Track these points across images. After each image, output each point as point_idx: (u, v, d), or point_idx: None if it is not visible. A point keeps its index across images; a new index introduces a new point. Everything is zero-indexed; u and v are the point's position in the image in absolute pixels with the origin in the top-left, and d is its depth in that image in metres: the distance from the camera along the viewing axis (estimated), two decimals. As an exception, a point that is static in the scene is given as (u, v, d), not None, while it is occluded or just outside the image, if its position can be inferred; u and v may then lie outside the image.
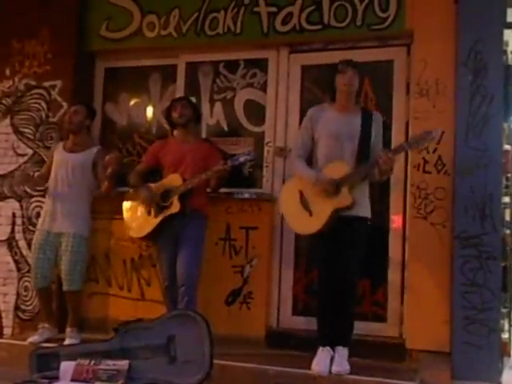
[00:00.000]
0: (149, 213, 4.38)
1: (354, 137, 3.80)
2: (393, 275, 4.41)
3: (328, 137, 3.84)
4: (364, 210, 3.83)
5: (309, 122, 3.95)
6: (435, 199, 4.14)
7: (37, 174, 4.90)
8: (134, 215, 4.50)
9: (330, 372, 3.68)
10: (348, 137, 3.80)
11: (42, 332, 4.55)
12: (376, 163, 3.68)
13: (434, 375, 3.93)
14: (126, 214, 4.59)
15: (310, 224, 3.79)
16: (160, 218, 4.31)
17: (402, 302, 4.34)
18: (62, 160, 4.58)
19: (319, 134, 3.89)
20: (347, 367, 3.68)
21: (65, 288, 4.50)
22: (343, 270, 3.74)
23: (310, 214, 3.80)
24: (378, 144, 3.86)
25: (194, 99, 4.88)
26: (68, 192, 4.52)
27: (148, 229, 4.39)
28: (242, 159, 4.12)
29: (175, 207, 4.26)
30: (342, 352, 3.74)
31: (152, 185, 4.41)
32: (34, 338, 4.45)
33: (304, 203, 3.83)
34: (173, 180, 4.34)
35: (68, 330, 4.48)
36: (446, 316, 4.01)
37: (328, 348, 3.79)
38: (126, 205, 4.58)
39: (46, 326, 4.60)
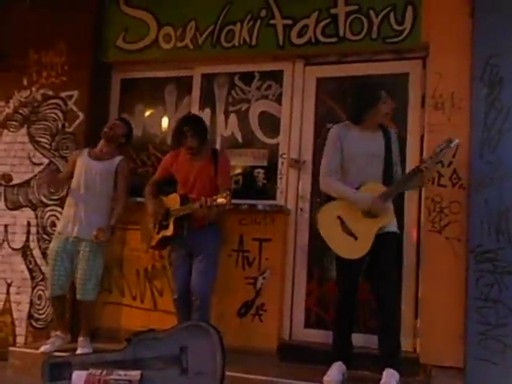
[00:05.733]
0: (154, 226, 4.40)
1: (380, 155, 3.84)
2: (407, 289, 4.38)
3: (358, 156, 3.83)
4: (394, 224, 3.85)
5: (337, 140, 3.90)
6: (450, 213, 4.11)
7: (59, 174, 4.93)
8: (145, 227, 4.53)
9: None
10: (375, 155, 3.83)
11: (53, 341, 4.55)
12: (418, 172, 3.72)
13: (447, 391, 3.90)
14: (141, 223, 4.62)
15: (357, 248, 3.74)
16: (159, 236, 4.34)
17: (415, 317, 4.30)
18: (87, 166, 4.59)
19: (347, 152, 3.86)
20: None
21: (79, 297, 4.50)
22: (382, 286, 3.75)
23: (356, 239, 3.76)
24: (397, 160, 3.94)
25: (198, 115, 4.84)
26: (90, 198, 4.53)
27: (152, 243, 4.44)
28: (219, 201, 3.93)
29: (169, 230, 4.26)
30: (391, 372, 3.65)
31: (164, 198, 4.43)
32: (45, 348, 4.45)
33: (346, 229, 3.79)
34: (172, 201, 4.33)
35: (80, 339, 4.49)
36: (461, 331, 3.96)
37: (340, 363, 3.80)
38: (142, 216, 4.59)
39: (58, 333, 4.61)
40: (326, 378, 3.73)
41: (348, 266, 3.82)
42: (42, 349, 4.45)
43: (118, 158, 4.66)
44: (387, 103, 3.92)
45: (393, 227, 3.84)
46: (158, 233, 4.36)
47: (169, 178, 4.57)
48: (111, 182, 4.61)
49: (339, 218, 3.81)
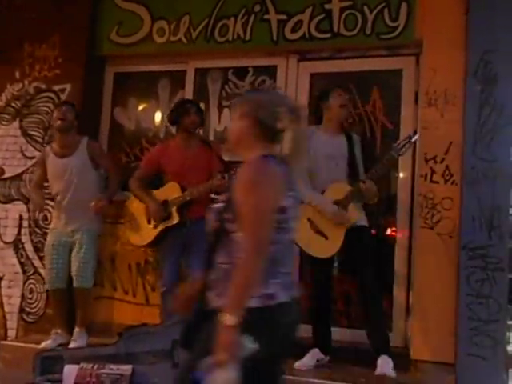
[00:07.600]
0: (148, 221, 4.37)
1: (345, 157, 3.97)
2: (398, 285, 4.39)
3: (324, 158, 3.96)
4: (363, 219, 3.99)
5: None
6: (442, 209, 4.12)
7: (32, 184, 4.87)
8: (135, 222, 4.49)
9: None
10: (340, 157, 3.97)
11: (55, 337, 4.49)
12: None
13: (438, 386, 3.91)
14: (126, 220, 4.59)
15: (328, 247, 3.90)
16: (159, 228, 4.31)
17: (407, 313, 4.31)
18: (59, 168, 4.56)
19: (314, 155, 3.93)
20: (391, 371, 3.70)
21: (76, 285, 4.48)
22: (365, 276, 3.87)
23: (326, 238, 3.89)
24: (360, 163, 4.02)
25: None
26: (75, 196, 4.51)
27: (148, 239, 4.40)
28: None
29: (174, 219, 4.25)
30: (386, 357, 3.75)
31: (154, 192, 4.41)
32: (46, 343, 4.40)
33: (316, 229, 3.91)
34: (171, 190, 4.31)
35: (76, 330, 4.44)
36: (452, 327, 3.98)
37: (316, 350, 3.94)
38: (127, 211, 4.58)
39: (59, 331, 4.55)
40: (297, 363, 3.85)
41: (322, 263, 3.95)
42: (44, 344, 4.40)
43: (83, 144, 4.59)
44: (341, 95, 4.04)
45: (362, 221, 3.95)
46: (155, 226, 4.33)
47: (153, 174, 4.52)
48: (90, 170, 4.57)
49: (309, 220, 3.92)
